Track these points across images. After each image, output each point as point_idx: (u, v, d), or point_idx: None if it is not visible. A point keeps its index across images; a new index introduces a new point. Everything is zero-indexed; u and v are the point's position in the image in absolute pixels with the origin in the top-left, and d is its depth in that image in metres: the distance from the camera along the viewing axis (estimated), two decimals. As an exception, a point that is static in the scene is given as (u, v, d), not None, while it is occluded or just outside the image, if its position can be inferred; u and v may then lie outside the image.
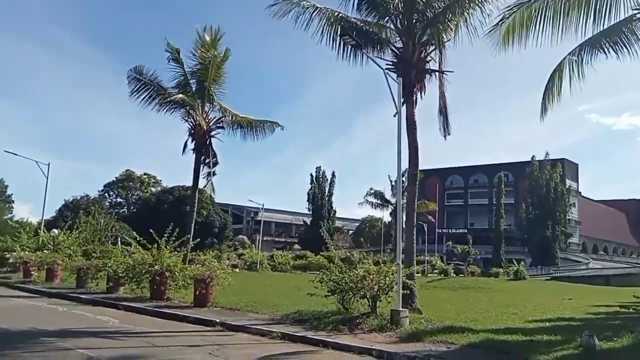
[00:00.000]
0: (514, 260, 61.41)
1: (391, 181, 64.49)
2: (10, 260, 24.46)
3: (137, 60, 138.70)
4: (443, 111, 16.20)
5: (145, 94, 20.71)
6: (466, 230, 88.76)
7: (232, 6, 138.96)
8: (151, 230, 17.46)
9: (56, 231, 28.04)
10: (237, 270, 33.72)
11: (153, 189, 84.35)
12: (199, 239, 24.07)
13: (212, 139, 21.17)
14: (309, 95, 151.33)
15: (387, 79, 12.92)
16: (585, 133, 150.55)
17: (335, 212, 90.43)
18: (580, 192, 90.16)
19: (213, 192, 21.51)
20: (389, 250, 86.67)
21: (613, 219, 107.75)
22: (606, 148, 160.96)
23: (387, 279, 12.47)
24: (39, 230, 29.46)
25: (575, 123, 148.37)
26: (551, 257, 68.76)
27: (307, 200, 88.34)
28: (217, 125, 21.22)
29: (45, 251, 24.92)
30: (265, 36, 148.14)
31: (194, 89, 21.04)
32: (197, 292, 15.24)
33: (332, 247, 14.95)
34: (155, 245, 17.24)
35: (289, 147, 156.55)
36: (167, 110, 20.92)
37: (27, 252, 24.34)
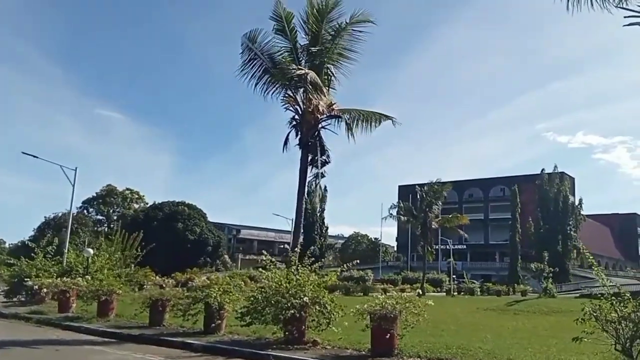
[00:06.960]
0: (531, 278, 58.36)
1: (419, 191, 57.25)
2: (43, 290, 18.83)
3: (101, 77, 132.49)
4: None
5: (255, 69, 15.87)
6: (465, 246, 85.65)
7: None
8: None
9: (91, 251, 22.64)
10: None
11: (136, 205, 77.94)
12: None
13: (321, 131, 16.46)
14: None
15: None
16: (542, 150, 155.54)
17: (327, 228, 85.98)
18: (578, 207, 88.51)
19: (322, 198, 16.84)
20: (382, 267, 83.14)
21: (600, 233, 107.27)
22: (562, 165, 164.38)
23: None
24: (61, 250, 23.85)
25: (532, 141, 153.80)
26: (564, 273, 66.06)
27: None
28: (330, 114, 16.51)
29: (82, 277, 19.67)
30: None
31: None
32: (387, 336, 10.61)
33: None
34: (294, 268, 12.76)
35: (255, 161, 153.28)
36: (274, 93, 16.14)
37: (63, 279, 18.96)
